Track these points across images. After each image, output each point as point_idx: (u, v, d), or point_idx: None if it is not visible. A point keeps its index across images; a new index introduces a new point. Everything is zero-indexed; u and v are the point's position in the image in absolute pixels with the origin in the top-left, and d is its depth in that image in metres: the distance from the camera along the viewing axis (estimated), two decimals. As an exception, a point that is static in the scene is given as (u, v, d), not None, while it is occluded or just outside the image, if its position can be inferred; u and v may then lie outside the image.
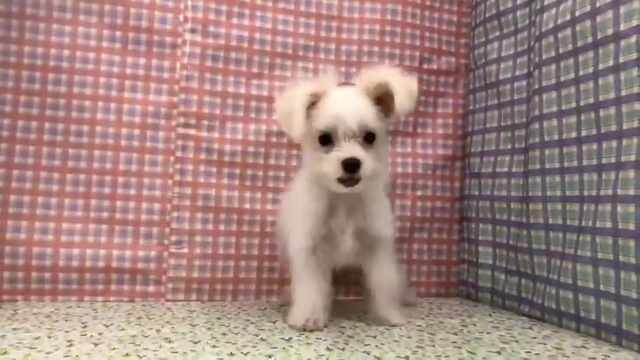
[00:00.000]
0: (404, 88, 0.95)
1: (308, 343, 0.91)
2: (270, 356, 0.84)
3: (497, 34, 1.37)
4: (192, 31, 1.29)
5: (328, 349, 0.89)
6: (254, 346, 0.89)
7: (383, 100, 0.98)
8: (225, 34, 1.31)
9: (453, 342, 0.95)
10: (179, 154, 1.29)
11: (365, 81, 0.99)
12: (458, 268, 1.46)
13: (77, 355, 0.81)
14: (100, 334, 0.94)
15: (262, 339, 0.94)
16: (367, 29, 1.39)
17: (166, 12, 1.28)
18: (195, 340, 0.92)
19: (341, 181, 0.94)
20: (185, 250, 1.28)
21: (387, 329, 1.04)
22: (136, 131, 1.26)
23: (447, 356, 0.86)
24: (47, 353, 0.82)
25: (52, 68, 1.22)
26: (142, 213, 1.26)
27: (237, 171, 1.32)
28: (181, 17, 1.29)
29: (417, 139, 1.44)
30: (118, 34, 1.26)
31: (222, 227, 1.30)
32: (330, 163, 0.94)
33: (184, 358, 0.81)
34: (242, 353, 0.85)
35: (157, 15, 1.27)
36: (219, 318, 1.10)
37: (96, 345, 0.87)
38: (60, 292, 1.22)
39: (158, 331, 0.98)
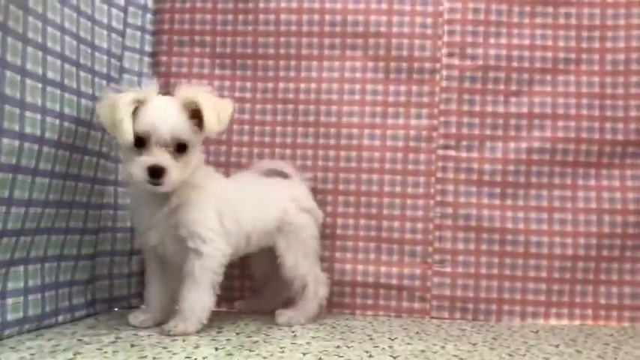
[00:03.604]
0: (213, 110, 1.01)
1: (608, 371, 0.88)
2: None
3: None
4: (450, 55, 1.33)
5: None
6: (550, 370, 0.88)
7: (198, 114, 1.02)
8: (482, 54, 1.32)
9: None
10: (440, 174, 1.33)
11: (181, 95, 1.03)
12: None
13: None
14: (391, 347, 1.00)
15: (554, 363, 0.92)
16: (635, 35, 1.30)
17: (425, 39, 1.33)
18: (484, 359, 0.94)
19: (147, 182, 0.99)
20: (448, 269, 1.31)
21: None
22: (399, 155, 1.33)
23: None
24: (355, 363, 0.90)
25: (324, 101, 1.35)
26: (406, 232, 1.32)
27: (498, 190, 1.32)
28: (439, 43, 1.33)
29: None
30: (381, 64, 1.35)
31: (484, 247, 1.31)
32: (139, 165, 0.99)
33: (485, 377, 0.83)
34: (540, 376, 0.84)
35: (416, 43, 1.33)
36: (494, 338, 1.11)
37: (395, 357, 0.93)
38: (334, 304, 1.32)
39: (443, 347, 1.01)
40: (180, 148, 1.02)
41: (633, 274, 1.29)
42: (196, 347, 0.96)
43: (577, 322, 1.28)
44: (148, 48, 1.38)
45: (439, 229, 1.32)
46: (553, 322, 1.29)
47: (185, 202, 1.06)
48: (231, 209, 1.11)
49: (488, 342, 1.07)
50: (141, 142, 0.99)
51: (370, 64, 1.35)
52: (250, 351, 0.94)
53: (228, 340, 1.02)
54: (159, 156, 0.99)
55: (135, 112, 0.99)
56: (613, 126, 1.30)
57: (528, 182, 1.31)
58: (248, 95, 1.37)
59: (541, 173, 1.31)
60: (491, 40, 1.33)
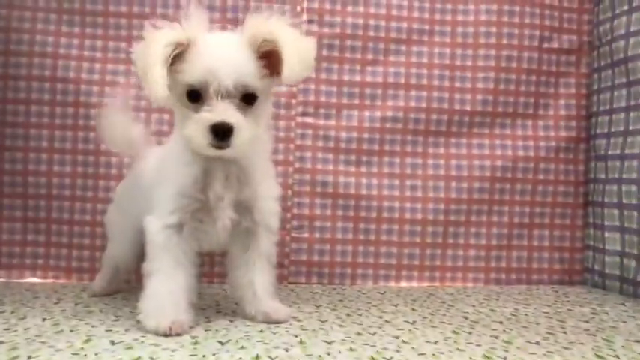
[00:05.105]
0: (296, 49, 0.80)
1: (433, 327, 0.92)
2: (396, 337, 0.85)
3: (625, 8, 1.29)
4: (309, 21, 1.33)
5: (455, 332, 0.89)
6: (379, 327, 0.91)
7: (269, 55, 0.82)
8: (340, 22, 1.33)
9: (585, 329, 0.92)
10: (298, 142, 1.33)
11: (250, 31, 0.82)
12: (582, 254, 1.39)
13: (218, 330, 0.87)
14: (233, 311, 1.00)
15: (386, 321, 0.96)
16: (484, 9, 1.36)
17: (284, 4, 1.32)
18: (322, 319, 0.96)
19: (211, 145, 0.80)
20: (305, 235, 1.33)
21: (513, 314, 1.02)
22: (258, 121, 1.32)
23: (582, 343, 0.83)
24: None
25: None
26: (264, 199, 1.32)
27: (354, 157, 1.34)
28: (298, 9, 1.32)
29: (538, 121, 1.39)
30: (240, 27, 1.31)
31: (339, 213, 1.34)
32: (198, 125, 0.79)
33: (315, 334, 0.85)
34: (369, 333, 0.87)
35: (275, 8, 1.31)
36: (340, 300, 1.14)
37: (232, 322, 0.93)
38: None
39: (286, 309, 1.03)
40: (248, 98, 0.81)
41: (477, 238, 1.37)
42: (22, 318, 0.91)
43: (425, 284, 1.35)
44: (-15, 0, 1.27)
45: (297, 195, 1.33)
46: (404, 284, 1.34)
47: (253, 168, 0.89)
48: None
49: (333, 303, 1.10)
50: (196, 96, 0.80)
51: (229, 26, 1.31)
52: (79, 320, 0.90)
53: (62, 310, 0.97)
54: (223, 111, 0.78)
55: (180, 58, 0.79)
56: (461, 97, 1.36)
57: (382, 150, 1.35)
58: (99, 55, 1.29)
59: (394, 141, 1.35)
60: (350, 9, 1.34)
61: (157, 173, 0.94)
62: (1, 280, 1.26)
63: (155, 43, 0.77)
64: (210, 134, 0.78)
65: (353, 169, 1.34)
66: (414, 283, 1.35)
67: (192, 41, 0.80)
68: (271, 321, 0.92)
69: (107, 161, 1.28)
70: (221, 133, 0.78)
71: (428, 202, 1.35)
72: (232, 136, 0.78)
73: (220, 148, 0.80)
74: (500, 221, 1.37)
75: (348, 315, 1.00)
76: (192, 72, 0.79)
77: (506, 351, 0.79)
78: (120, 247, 1.10)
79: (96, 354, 0.73)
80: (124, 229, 1.06)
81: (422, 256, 1.35)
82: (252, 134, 0.81)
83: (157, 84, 0.75)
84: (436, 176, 1.36)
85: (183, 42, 0.79)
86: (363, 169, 1.34)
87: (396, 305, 1.10)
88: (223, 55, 0.80)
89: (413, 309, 1.06)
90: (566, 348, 0.81)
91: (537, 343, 0.83)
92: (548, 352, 0.79)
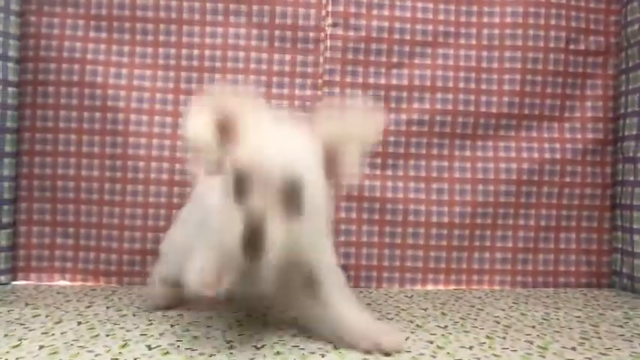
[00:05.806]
0: (358, 149, 0.73)
1: (466, 332, 0.92)
2: (430, 342, 0.85)
3: (654, 8, 1.28)
4: (334, 25, 1.33)
5: (488, 337, 0.89)
6: (412, 332, 0.91)
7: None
8: (365, 25, 1.33)
9: (620, 335, 0.91)
10: (323, 145, 1.33)
11: (321, 132, 0.73)
12: (609, 257, 1.38)
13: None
14: (264, 315, 1.01)
15: (418, 325, 0.96)
16: (509, 12, 1.35)
17: (309, 8, 1.32)
18: (353, 324, 0.96)
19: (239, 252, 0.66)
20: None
21: (545, 319, 1.02)
22: (283, 124, 1.32)
23: (619, 349, 0.83)
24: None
25: (208, 68, 1.31)
26: (290, 202, 1.32)
27: (379, 160, 1.34)
28: (323, 12, 1.33)
29: (565, 124, 1.38)
30: (265, 32, 1.32)
31: (365, 216, 1.33)
32: (230, 221, 0.67)
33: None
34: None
35: (300, 11, 1.32)
36: (369, 304, 1.13)
37: (264, 325, 0.93)
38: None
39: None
40: (298, 202, 0.70)
41: (503, 241, 1.36)
42: (58, 322, 0.92)
43: (452, 287, 1.34)
44: (14, 6, 1.28)
45: (322, 199, 1.33)
46: (430, 287, 1.34)
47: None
48: None
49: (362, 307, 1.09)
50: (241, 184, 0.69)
51: (254, 31, 1.32)
52: (114, 324, 0.91)
53: (96, 314, 0.98)
54: (260, 217, 0.66)
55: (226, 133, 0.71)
56: (488, 99, 1.35)
57: (408, 153, 1.35)
58: (126, 60, 1.30)
59: (420, 144, 1.35)
60: (374, 12, 1.34)
61: (203, 215, 0.85)
62: (32, 282, 1.28)
63: (201, 120, 0.71)
64: (241, 241, 0.65)
65: (378, 172, 1.34)
66: (441, 287, 1.34)
67: (235, 120, 0.72)
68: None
69: (134, 165, 1.29)
70: (252, 244, 0.66)
71: (454, 205, 1.34)
72: (262, 251, 0.66)
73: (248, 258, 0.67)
74: (526, 224, 1.36)
75: (379, 319, 0.99)
76: (239, 157, 0.69)
77: (543, 357, 0.78)
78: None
79: (135, 359, 0.74)
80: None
81: (448, 260, 1.35)
82: (291, 245, 0.69)
83: (209, 161, 0.71)
84: (462, 179, 1.35)
85: (222, 121, 0.72)
86: (389, 172, 1.34)
87: (425, 309, 1.09)
88: (281, 149, 0.69)
89: (443, 313, 1.06)
90: (603, 354, 0.80)
91: (573, 348, 0.83)
92: (585, 358, 0.78)
